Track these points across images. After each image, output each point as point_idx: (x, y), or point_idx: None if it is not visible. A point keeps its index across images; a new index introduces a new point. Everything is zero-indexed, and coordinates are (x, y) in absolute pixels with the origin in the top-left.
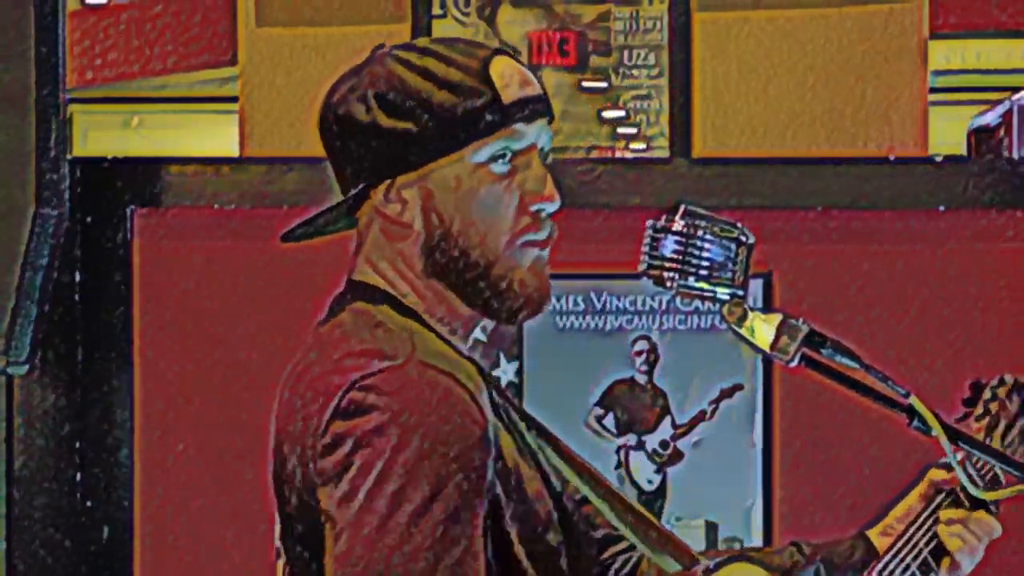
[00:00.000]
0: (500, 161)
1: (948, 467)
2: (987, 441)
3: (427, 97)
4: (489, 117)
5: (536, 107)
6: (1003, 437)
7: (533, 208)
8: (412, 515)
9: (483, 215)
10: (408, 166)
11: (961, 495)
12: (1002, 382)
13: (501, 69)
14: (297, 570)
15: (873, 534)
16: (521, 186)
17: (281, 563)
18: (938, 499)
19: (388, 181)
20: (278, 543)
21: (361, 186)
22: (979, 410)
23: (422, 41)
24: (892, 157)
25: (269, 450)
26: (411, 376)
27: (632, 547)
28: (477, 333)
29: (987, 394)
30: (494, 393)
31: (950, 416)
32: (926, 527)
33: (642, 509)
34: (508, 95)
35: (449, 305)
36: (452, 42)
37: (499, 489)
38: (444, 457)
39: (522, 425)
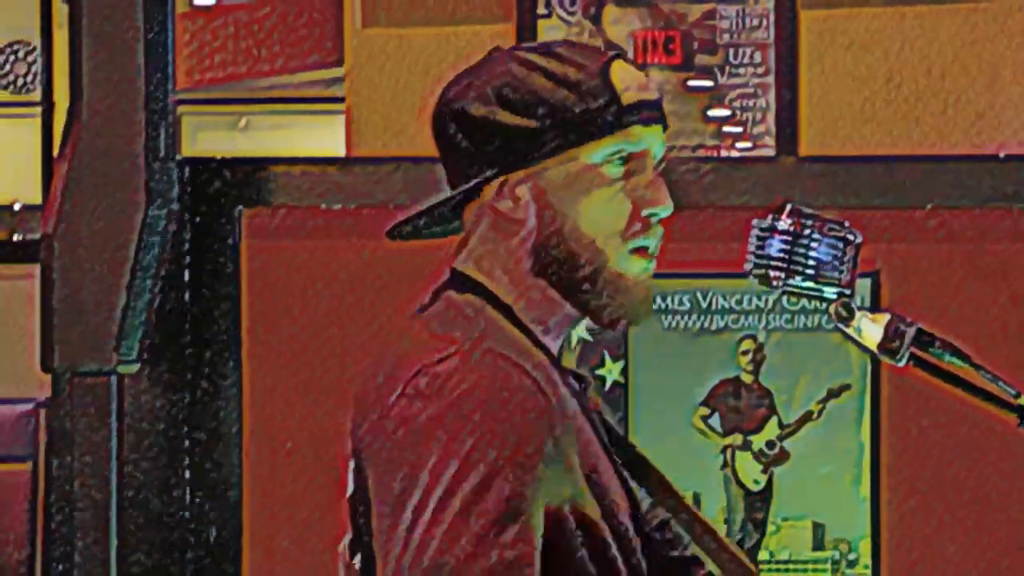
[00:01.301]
0: (614, 163)
1: None
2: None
3: (546, 95)
4: (607, 118)
5: (653, 112)
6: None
7: (644, 213)
8: (465, 503)
9: (595, 216)
10: (524, 163)
11: None
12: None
13: (621, 72)
14: (363, 548)
15: None
16: (634, 191)
17: (357, 560)
18: None
19: (503, 178)
20: (345, 543)
21: (475, 181)
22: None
23: (541, 44)
24: (1002, 155)
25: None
26: (474, 363)
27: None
28: (582, 333)
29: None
30: (579, 399)
31: None
32: None
33: (721, 535)
34: (627, 98)
35: (550, 304)
36: (572, 45)
37: (579, 484)
38: (500, 445)
39: (606, 437)
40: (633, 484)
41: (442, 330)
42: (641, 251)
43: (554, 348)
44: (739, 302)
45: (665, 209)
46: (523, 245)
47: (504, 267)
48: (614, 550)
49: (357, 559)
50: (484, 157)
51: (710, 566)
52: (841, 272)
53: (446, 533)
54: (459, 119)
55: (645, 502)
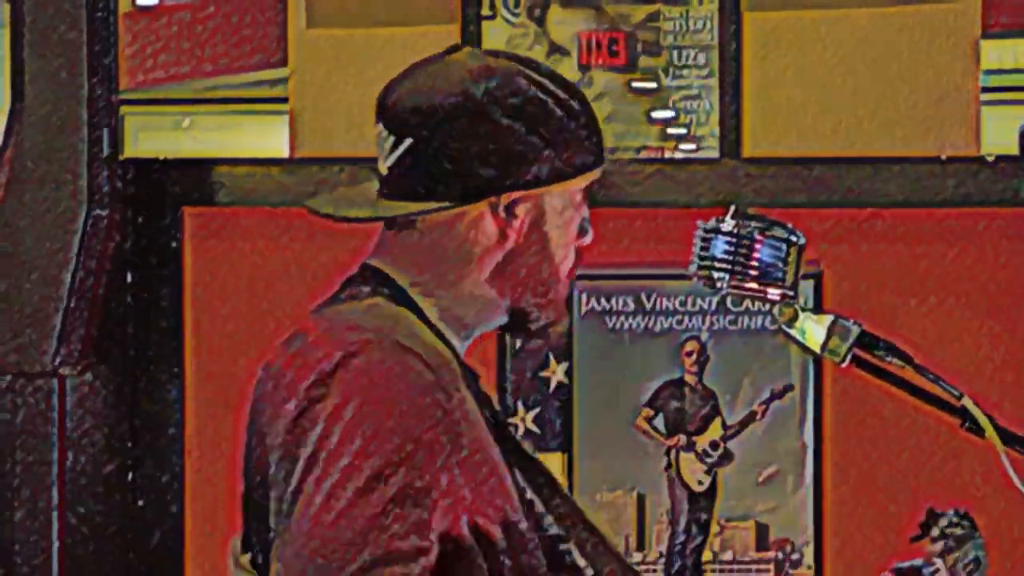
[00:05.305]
0: (579, 192)
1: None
2: (940, 565)
3: (563, 123)
4: (600, 151)
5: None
6: (954, 565)
7: (578, 241)
8: (360, 492)
9: (562, 241)
10: (536, 184)
11: None
12: (957, 514)
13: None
14: (258, 542)
15: None
16: (582, 220)
17: (247, 559)
18: None
19: (508, 196)
20: (235, 542)
21: (489, 194)
22: (935, 534)
23: (527, 60)
24: (943, 157)
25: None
26: (383, 356)
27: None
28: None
29: (944, 522)
30: (476, 394)
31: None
32: None
33: (601, 531)
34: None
35: (490, 311)
36: (547, 69)
37: (465, 478)
38: (400, 436)
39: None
40: (520, 478)
41: (355, 323)
42: (570, 272)
43: (461, 348)
44: (683, 303)
45: (590, 239)
46: (491, 255)
47: (459, 271)
48: (508, 555)
49: (247, 557)
50: (495, 170)
51: (580, 560)
52: (784, 273)
53: (341, 520)
54: (480, 125)
55: (536, 499)
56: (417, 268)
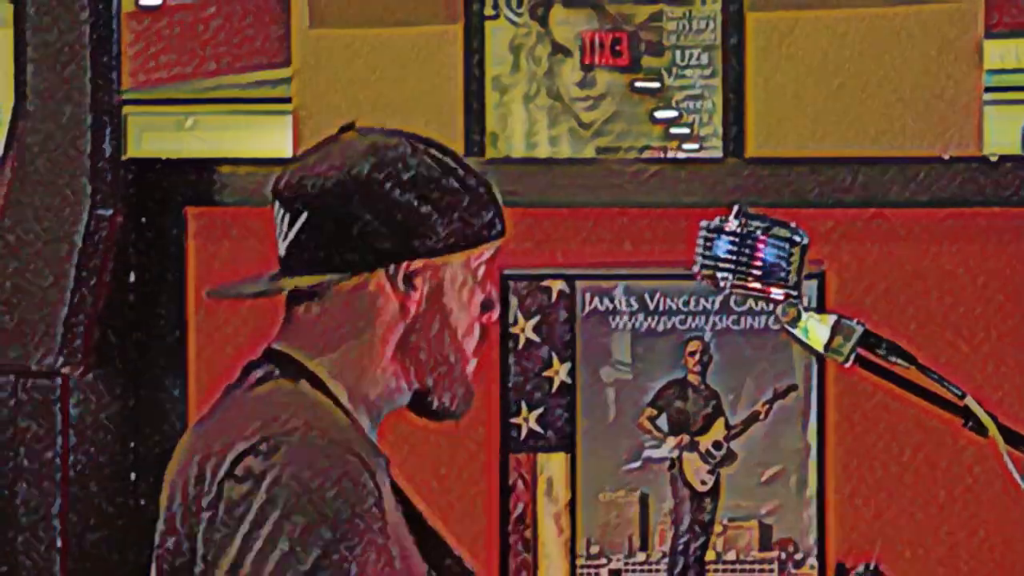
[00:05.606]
0: (480, 266)
1: None
2: None
3: (456, 194)
4: (498, 224)
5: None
6: None
7: (485, 318)
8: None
9: (468, 314)
10: (433, 255)
11: None
12: (867, 569)
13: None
14: None
15: None
16: (486, 295)
17: None
18: None
19: (404, 265)
20: None
21: (380, 265)
22: None
23: (423, 138)
24: (946, 156)
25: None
26: (308, 448)
27: None
28: (530, 334)
29: None
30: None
31: (1004, 419)
32: None
33: None
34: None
35: (395, 390)
36: (441, 148)
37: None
38: (331, 528)
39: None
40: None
41: (273, 412)
42: (476, 350)
43: (371, 431)
44: (686, 303)
45: (496, 317)
46: (393, 331)
47: (363, 351)
48: None
49: None
50: (393, 241)
51: None
52: (788, 273)
53: None
54: (372, 197)
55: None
56: (323, 349)
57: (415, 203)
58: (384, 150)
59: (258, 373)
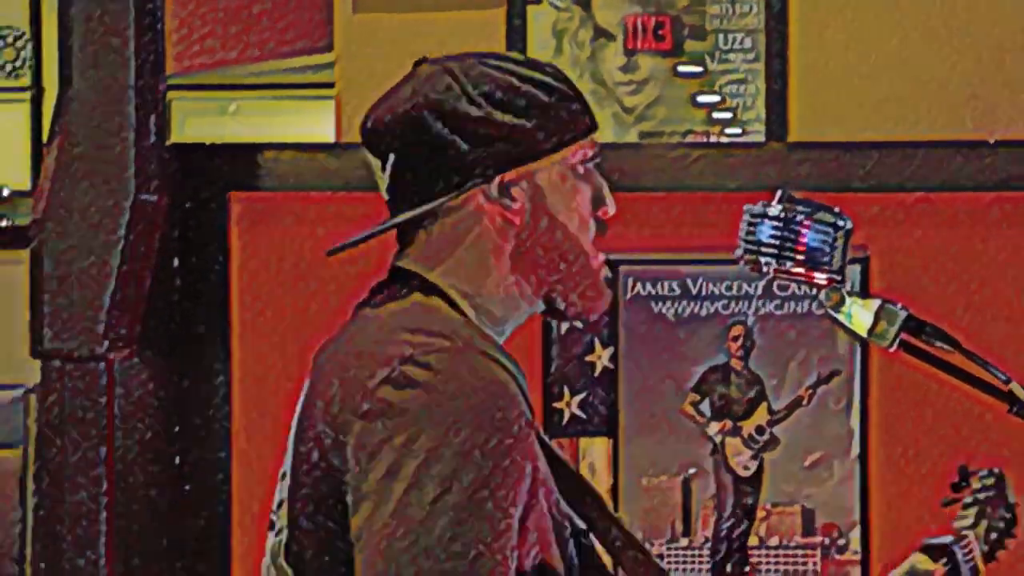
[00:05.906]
0: (584, 165)
1: (932, 551)
2: (971, 537)
3: (535, 97)
4: (586, 120)
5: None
6: (987, 532)
7: (600, 212)
8: (438, 496)
9: (578, 214)
10: (520, 162)
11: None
12: (991, 475)
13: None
14: (307, 543)
15: None
16: (596, 191)
17: (275, 538)
18: None
19: (499, 178)
20: (274, 516)
21: (475, 182)
22: (968, 498)
23: (481, 54)
24: (992, 140)
25: (295, 416)
26: (467, 361)
27: None
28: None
29: (977, 483)
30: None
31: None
32: None
33: (642, 547)
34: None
35: (519, 301)
36: (515, 59)
37: (539, 496)
38: (486, 445)
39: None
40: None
41: (414, 325)
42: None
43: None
44: (729, 288)
45: (613, 210)
46: (505, 244)
47: (477, 266)
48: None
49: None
50: (480, 157)
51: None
52: (831, 258)
53: (413, 527)
54: (449, 118)
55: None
56: (443, 269)
57: (494, 116)
58: (455, 71)
59: (389, 290)
